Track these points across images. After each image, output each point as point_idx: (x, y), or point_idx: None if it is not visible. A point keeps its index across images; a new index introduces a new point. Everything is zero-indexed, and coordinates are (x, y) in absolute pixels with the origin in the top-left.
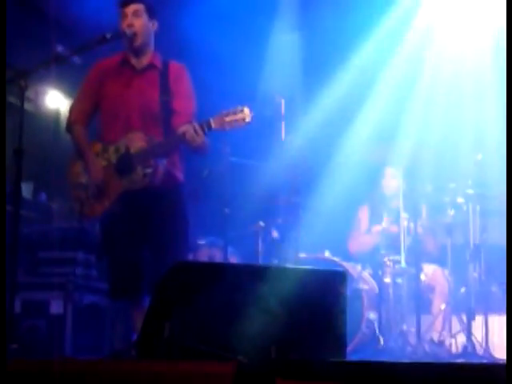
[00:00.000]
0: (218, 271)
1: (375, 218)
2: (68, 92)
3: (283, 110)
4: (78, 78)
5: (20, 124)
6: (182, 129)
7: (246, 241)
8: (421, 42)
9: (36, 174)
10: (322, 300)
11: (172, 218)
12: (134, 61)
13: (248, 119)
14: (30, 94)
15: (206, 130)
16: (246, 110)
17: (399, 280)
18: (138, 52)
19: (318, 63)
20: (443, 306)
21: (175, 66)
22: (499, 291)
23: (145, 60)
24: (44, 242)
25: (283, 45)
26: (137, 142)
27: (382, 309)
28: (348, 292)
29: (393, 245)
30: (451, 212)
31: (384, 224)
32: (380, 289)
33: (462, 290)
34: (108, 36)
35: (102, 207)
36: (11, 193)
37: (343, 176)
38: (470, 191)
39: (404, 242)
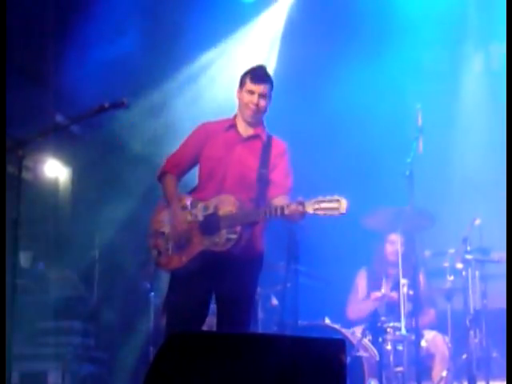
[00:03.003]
0: (215, 341)
1: (374, 284)
2: (67, 161)
3: None
4: (76, 146)
5: (18, 193)
6: (281, 202)
7: None
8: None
9: (34, 244)
10: (322, 369)
11: (243, 288)
12: (241, 129)
13: (343, 211)
14: (28, 163)
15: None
16: (343, 201)
17: (400, 347)
18: (249, 125)
19: (320, 119)
20: (444, 373)
21: (278, 142)
22: (500, 357)
23: (252, 130)
24: (42, 311)
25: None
26: (227, 205)
27: (383, 376)
28: (348, 360)
29: (393, 311)
30: (450, 277)
31: (384, 290)
32: (381, 356)
33: (463, 356)
34: (106, 105)
35: (179, 262)
36: (9, 263)
37: (342, 242)
38: (469, 256)
39: (404, 308)
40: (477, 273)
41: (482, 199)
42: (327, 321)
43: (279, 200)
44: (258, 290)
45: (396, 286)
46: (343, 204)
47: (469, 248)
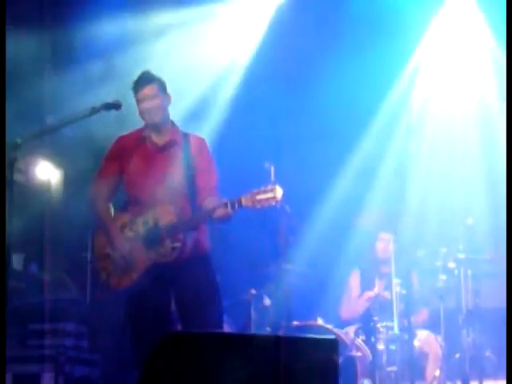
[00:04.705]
0: (208, 341)
1: (367, 284)
2: (59, 163)
3: (273, 177)
4: (68, 149)
5: (10, 195)
6: (211, 204)
7: (239, 309)
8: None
9: (27, 246)
10: (315, 369)
11: (202, 287)
12: (154, 137)
13: (279, 198)
14: (20, 165)
15: (237, 207)
16: (278, 189)
17: (392, 346)
18: (159, 129)
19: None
20: (437, 373)
21: (195, 139)
22: (493, 356)
23: (166, 136)
24: (34, 313)
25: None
26: (166, 215)
27: (376, 376)
28: (341, 359)
29: (386, 311)
30: (443, 277)
31: (376, 290)
32: (373, 356)
33: (456, 355)
34: (98, 107)
35: (129, 279)
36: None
37: (334, 242)
38: (461, 255)
39: (397, 307)
40: (469, 272)
41: (474, 198)
42: (320, 321)
43: (208, 202)
44: (252, 291)
45: (389, 286)
46: (278, 192)
47: (461, 247)
